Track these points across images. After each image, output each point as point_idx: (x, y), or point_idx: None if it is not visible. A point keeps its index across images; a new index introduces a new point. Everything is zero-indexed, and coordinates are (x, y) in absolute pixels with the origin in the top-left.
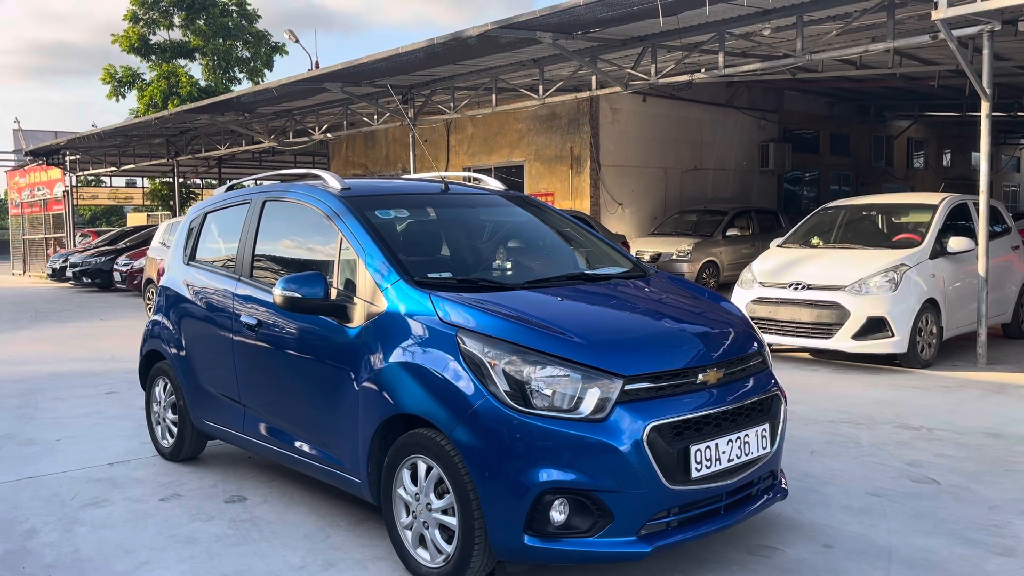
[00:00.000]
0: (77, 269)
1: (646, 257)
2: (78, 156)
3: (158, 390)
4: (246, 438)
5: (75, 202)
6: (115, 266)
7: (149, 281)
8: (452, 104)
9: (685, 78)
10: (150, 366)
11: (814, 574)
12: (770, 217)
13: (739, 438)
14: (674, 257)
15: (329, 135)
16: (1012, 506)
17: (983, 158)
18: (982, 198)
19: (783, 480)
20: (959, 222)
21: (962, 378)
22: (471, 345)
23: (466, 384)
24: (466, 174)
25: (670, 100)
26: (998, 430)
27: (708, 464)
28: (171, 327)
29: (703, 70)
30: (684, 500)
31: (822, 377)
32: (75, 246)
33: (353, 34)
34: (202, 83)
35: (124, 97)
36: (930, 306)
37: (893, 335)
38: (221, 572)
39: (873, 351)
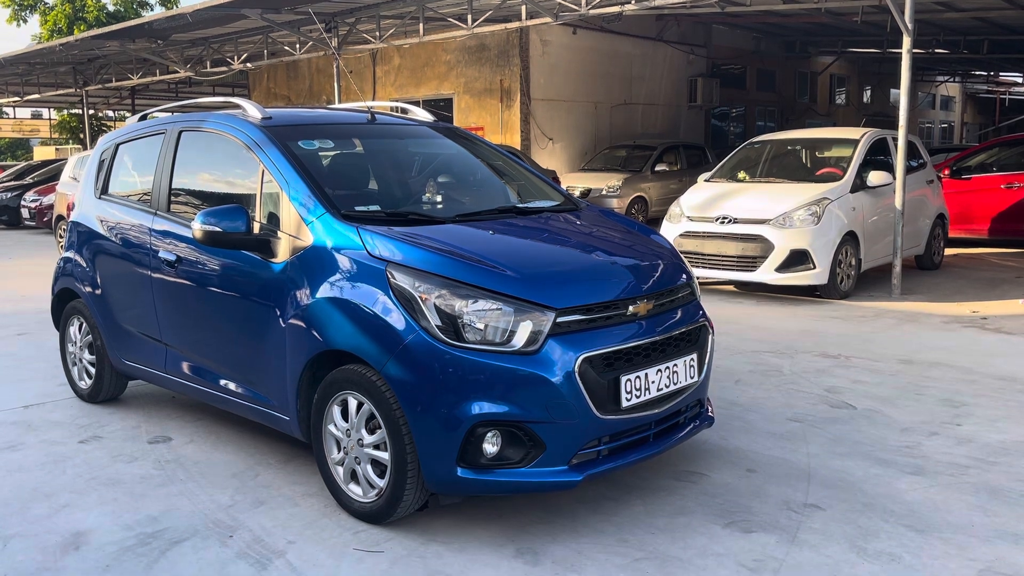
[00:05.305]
0: None
1: (576, 192)
2: None
3: (73, 330)
4: (169, 378)
5: None
6: (23, 202)
7: (60, 217)
8: (378, 33)
9: (616, 9)
10: (63, 305)
11: (738, 497)
12: (698, 152)
13: (668, 368)
14: (604, 193)
15: (249, 65)
16: (922, 428)
17: (903, 93)
18: (901, 133)
19: (710, 408)
20: (878, 157)
21: (878, 308)
22: (401, 279)
23: (397, 319)
24: (393, 104)
25: (600, 33)
26: (910, 357)
27: (638, 394)
28: (85, 264)
29: (633, 1)
30: (614, 429)
31: (747, 308)
32: None
33: None
34: (111, 8)
35: (26, 22)
36: (850, 239)
37: (815, 267)
38: (146, 513)
39: (795, 283)
